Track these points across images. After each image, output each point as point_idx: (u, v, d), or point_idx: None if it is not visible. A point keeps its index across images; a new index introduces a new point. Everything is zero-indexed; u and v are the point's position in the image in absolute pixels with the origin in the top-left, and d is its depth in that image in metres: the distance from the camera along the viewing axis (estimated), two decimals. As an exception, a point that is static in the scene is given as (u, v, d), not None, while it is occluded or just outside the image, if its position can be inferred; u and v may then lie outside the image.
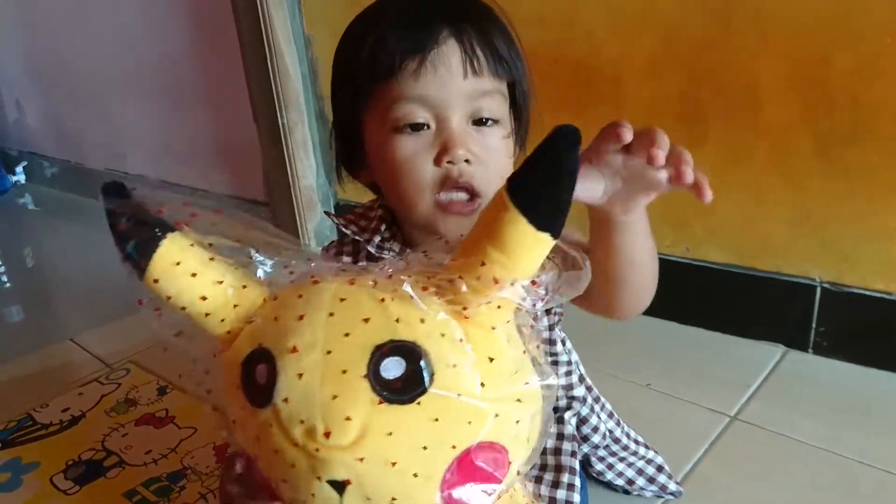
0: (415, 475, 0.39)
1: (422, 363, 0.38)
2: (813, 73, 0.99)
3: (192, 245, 0.43)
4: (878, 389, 1.02)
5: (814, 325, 1.10)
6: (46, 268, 2.08)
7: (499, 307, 0.41)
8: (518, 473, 0.44)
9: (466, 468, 0.40)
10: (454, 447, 0.39)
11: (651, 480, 0.82)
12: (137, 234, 0.43)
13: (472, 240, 0.41)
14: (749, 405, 1.01)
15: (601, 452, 0.81)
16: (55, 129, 2.52)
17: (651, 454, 0.84)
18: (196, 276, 0.43)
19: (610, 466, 0.82)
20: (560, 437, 0.75)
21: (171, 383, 1.18)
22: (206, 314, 0.43)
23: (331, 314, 0.40)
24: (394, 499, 0.39)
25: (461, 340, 0.39)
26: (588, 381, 0.81)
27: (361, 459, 0.38)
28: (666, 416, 1.00)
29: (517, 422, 0.41)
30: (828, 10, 0.96)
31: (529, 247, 0.39)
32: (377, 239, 0.68)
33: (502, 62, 0.65)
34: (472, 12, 0.65)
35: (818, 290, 1.08)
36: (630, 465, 0.82)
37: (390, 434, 0.38)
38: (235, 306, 0.43)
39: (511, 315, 0.42)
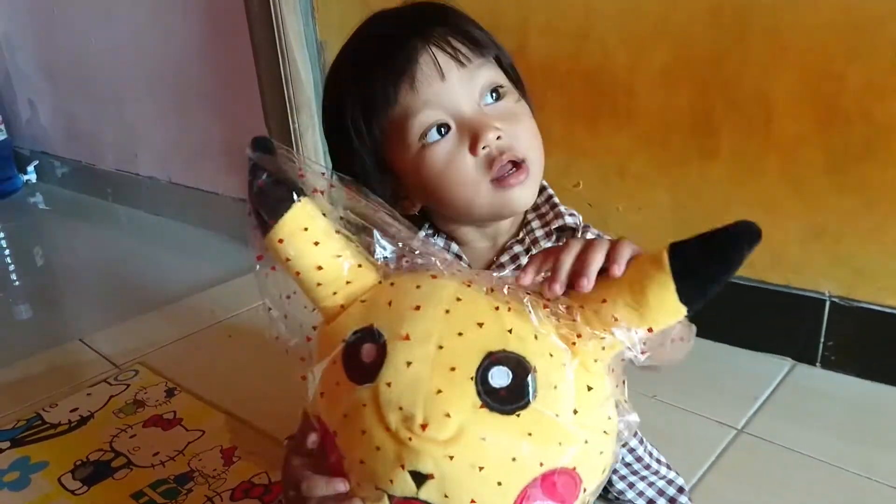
0: (498, 483, 0.39)
1: (529, 378, 0.39)
2: (826, 87, 0.99)
3: (322, 214, 0.44)
4: (887, 405, 1.02)
5: (822, 339, 1.09)
6: (56, 267, 2.09)
7: (603, 348, 0.42)
8: (587, 502, 0.45)
9: (547, 488, 0.41)
10: (542, 465, 0.40)
11: (672, 502, 0.81)
12: (274, 192, 0.44)
13: (605, 288, 0.42)
14: (756, 418, 1.01)
15: (623, 471, 0.80)
16: (67, 129, 2.54)
17: (672, 475, 0.83)
18: (318, 244, 0.44)
19: (631, 485, 0.81)
20: None
21: (179, 385, 1.19)
22: (319, 284, 0.44)
23: (447, 311, 0.41)
24: (472, 501, 0.40)
25: (564, 365, 0.41)
26: None
27: (451, 457, 0.39)
28: (672, 427, 0.99)
29: (601, 452, 0.42)
30: (842, 25, 0.96)
31: (665, 312, 0.41)
32: (422, 234, 0.69)
33: (479, 44, 0.67)
34: (432, 16, 0.68)
35: (827, 303, 1.08)
36: (651, 484, 0.81)
37: (484, 439, 0.39)
38: (349, 282, 0.44)
39: (612, 358, 0.43)
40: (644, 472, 0.81)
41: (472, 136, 0.64)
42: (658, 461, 0.83)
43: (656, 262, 0.40)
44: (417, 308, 0.41)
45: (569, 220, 0.71)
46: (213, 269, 1.72)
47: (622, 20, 1.13)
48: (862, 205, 1.01)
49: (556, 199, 0.73)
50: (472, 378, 0.39)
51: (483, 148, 0.63)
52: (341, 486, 0.46)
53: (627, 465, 0.80)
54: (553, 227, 0.71)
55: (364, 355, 0.42)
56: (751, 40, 1.03)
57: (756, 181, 1.09)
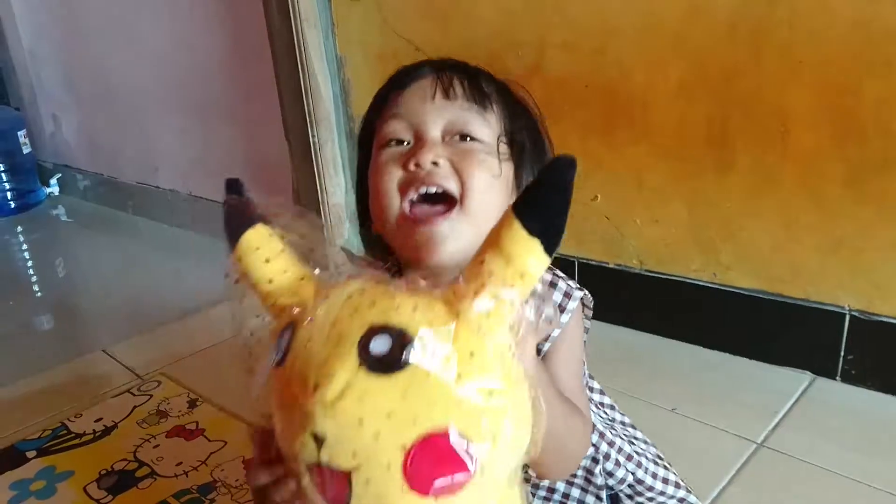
0: (375, 436, 0.44)
1: (406, 345, 0.44)
2: (843, 101, 0.99)
3: (271, 236, 0.52)
4: (908, 419, 1.01)
5: (842, 353, 1.09)
6: (78, 278, 2.13)
7: (488, 315, 0.46)
8: (502, 480, 0.48)
9: (429, 450, 0.44)
10: (415, 421, 0.44)
11: None
12: (236, 220, 0.52)
13: (479, 250, 0.47)
14: (776, 432, 1.01)
15: (627, 490, 0.80)
16: (90, 143, 2.58)
17: (682, 493, 0.81)
18: (269, 262, 0.52)
19: None
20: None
21: (201, 396, 1.20)
22: (268, 293, 0.52)
23: (349, 297, 0.47)
24: (355, 453, 0.44)
25: (448, 334, 0.45)
26: (600, 427, 0.78)
27: (335, 414, 0.44)
28: (692, 441, 1.00)
29: (482, 415, 0.45)
30: (857, 39, 0.96)
31: (521, 250, 0.44)
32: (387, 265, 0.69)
33: (479, 94, 0.67)
34: (458, 65, 0.70)
35: (847, 317, 1.08)
36: None
37: (362, 397, 0.44)
38: (291, 292, 0.52)
39: (499, 327, 0.46)
40: (649, 494, 0.80)
41: (412, 151, 0.63)
42: (665, 481, 0.81)
43: (504, 213, 0.46)
44: (326, 298, 0.48)
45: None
46: (233, 280, 1.73)
47: (639, 36, 1.14)
48: (881, 217, 1.01)
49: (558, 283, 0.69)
50: (354, 344, 0.44)
51: (413, 165, 0.62)
52: (279, 470, 0.51)
53: (630, 486, 0.79)
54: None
55: (282, 342, 0.48)
56: (767, 55, 1.04)
57: (773, 194, 1.09)
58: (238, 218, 0.53)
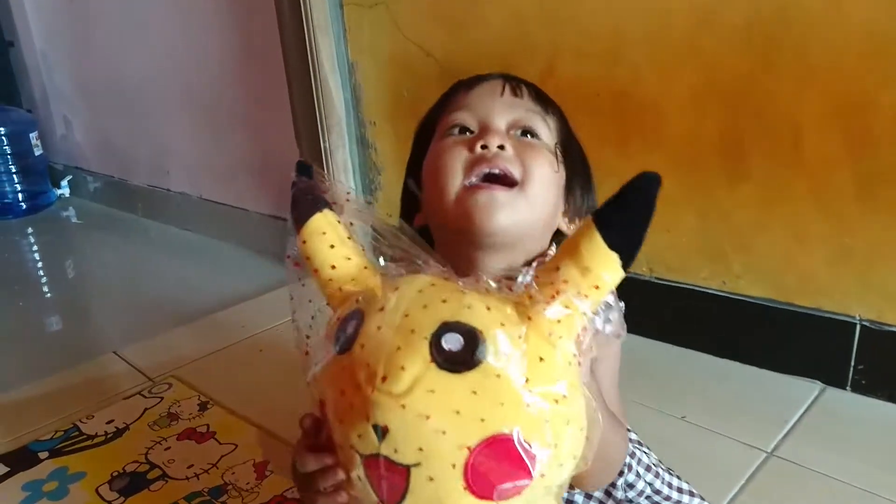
0: (443, 432, 0.44)
1: (478, 344, 0.44)
2: (856, 112, 1.00)
3: (338, 223, 0.53)
4: (918, 430, 1.01)
5: (853, 363, 1.09)
6: (88, 280, 2.14)
7: (559, 322, 0.46)
8: (554, 488, 0.48)
9: (495, 449, 0.44)
10: (483, 420, 0.44)
11: None
12: (302, 203, 0.53)
13: (555, 255, 0.48)
14: (786, 441, 1.01)
15: (645, 502, 0.80)
16: (101, 145, 2.60)
17: (697, 501, 0.82)
18: (333, 247, 0.53)
19: None
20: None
21: (211, 399, 1.21)
22: (330, 279, 0.52)
23: (420, 291, 0.48)
24: (420, 449, 0.44)
25: (520, 338, 0.45)
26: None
27: (403, 406, 0.43)
28: (701, 449, 1.00)
29: (546, 422, 0.45)
30: (871, 50, 0.96)
31: (599, 262, 0.45)
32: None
33: (546, 101, 0.71)
34: (527, 83, 0.72)
35: (857, 327, 1.08)
36: None
37: (433, 392, 0.44)
38: (353, 280, 0.52)
39: (568, 335, 0.46)
40: (657, 498, 0.80)
41: (479, 135, 0.65)
42: (679, 490, 0.81)
43: (585, 224, 0.46)
44: (396, 289, 0.48)
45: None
46: (242, 284, 1.75)
47: (651, 44, 1.15)
48: (892, 228, 1.01)
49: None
50: (426, 338, 0.44)
51: (481, 147, 0.63)
52: (328, 459, 0.50)
53: (647, 497, 0.79)
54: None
55: (348, 329, 0.48)
56: (780, 65, 1.04)
57: (785, 204, 1.09)
58: (306, 201, 0.53)
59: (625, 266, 0.45)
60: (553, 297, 0.45)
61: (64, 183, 2.78)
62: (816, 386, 1.12)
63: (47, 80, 2.73)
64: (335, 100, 1.59)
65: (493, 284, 0.47)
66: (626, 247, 0.45)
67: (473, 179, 0.62)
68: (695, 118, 1.14)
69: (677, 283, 1.24)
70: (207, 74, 1.99)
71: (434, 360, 0.44)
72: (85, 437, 1.13)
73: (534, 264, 0.63)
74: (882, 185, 1.00)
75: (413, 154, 0.75)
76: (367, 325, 0.47)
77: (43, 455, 1.09)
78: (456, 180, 0.63)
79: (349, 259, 0.53)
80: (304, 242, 0.53)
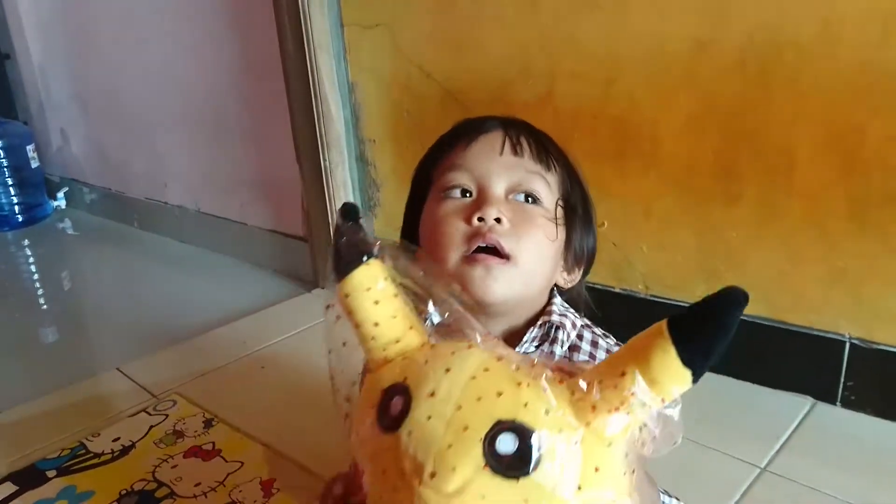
0: None
1: (533, 449, 0.42)
2: (848, 139, 1.03)
3: (385, 278, 0.50)
4: (907, 445, 1.04)
5: (843, 380, 1.12)
6: (85, 293, 2.14)
7: (620, 431, 0.44)
8: None
9: None
10: None
11: None
12: (347, 253, 0.50)
13: (618, 356, 0.45)
14: (779, 457, 1.03)
15: None
16: (98, 157, 2.60)
17: None
18: (378, 304, 0.49)
19: None
20: None
21: (216, 416, 1.23)
22: (373, 338, 0.50)
23: (473, 377, 0.45)
24: None
25: (576, 443, 0.43)
26: None
27: None
28: (695, 465, 1.02)
29: None
30: (863, 78, 1.00)
31: (671, 376, 0.42)
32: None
33: (545, 155, 0.71)
34: (524, 124, 0.73)
35: (847, 345, 1.11)
36: None
37: (484, 497, 0.42)
38: (398, 341, 0.50)
39: (627, 444, 0.45)
40: None
41: (476, 205, 0.66)
42: None
43: (657, 331, 0.43)
44: (447, 371, 0.46)
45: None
46: (241, 298, 1.76)
47: (648, 69, 1.18)
48: (883, 250, 1.04)
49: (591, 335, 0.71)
50: (480, 439, 0.42)
51: (478, 219, 0.65)
52: None
53: None
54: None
55: (392, 406, 0.46)
56: (774, 93, 1.07)
57: (779, 225, 1.12)
58: (351, 251, 0.50)
59: (695, 381, 0.43)
60: (617, 408, 0.43)
61: (60, 195, 2.79)
62: (807, 401, 1.15)
63: (44, 93, 2.74)
64: (335, 118, 1.61)
65: (550, 373, 0.45)
66: (699, 364, 0.42)
67: (469, 251, 0.65)
68: (690, 141, 1.17)
69: (673, 300, 1.27)
70: (206, 88, 2.00)
71: (487, 463, 0.42)
72: (92, 455, 1.14)
73: (578, 356, 0.64)
74: (873, 208, 1.04)
75: (410, 197, 0.76)
76: (416, 412, 0.45)
77: (51, 474, 1.10)
78: (454, 253, 0.65)
79: (394, 317, 0.50)
80: (347, 296, 0.50)
